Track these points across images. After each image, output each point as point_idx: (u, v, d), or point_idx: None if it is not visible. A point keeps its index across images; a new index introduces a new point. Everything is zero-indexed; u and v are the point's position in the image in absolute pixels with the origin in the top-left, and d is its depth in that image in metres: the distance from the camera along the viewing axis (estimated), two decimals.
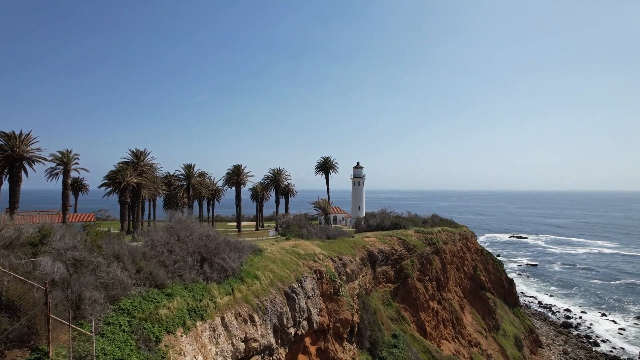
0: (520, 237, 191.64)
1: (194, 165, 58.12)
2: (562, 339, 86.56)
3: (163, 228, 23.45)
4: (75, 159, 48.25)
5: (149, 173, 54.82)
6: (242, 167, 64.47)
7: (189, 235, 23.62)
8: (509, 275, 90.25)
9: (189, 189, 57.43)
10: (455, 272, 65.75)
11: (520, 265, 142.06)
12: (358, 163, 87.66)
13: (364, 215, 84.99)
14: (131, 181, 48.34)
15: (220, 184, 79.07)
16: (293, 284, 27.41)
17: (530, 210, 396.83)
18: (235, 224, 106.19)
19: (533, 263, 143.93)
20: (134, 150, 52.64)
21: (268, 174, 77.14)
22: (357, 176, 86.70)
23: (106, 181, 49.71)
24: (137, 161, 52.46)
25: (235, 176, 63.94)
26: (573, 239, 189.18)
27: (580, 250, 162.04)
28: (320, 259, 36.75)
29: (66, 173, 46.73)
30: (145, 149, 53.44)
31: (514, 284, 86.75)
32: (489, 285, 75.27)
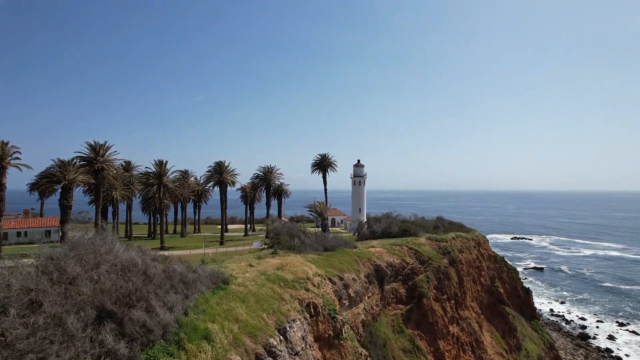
0: (524, 239, 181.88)
1: (166, 162, 47.67)
2: (581, 354, 76.63)
3: (38, 260, 13.05)
4: (14, 152, 37.91)
5: (112, 170, 44.53)
6: (226, 164, 54.18)
7: (87, 272, 13.31)
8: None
9: (160, 189, 47.06)
10: (472, 285, 55.62)
11: (526, 268, 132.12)
12: (359, 161, 77.46)
13: (365, 218, 74.75)
14: (77, 180, 37.99)
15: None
16: (271, 340, 17.06)
17: (531, 210, 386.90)
18: (231, 225, 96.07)
19: (539, 266, 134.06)
20: (92, 144, 42.16)
21: (258, 172, 66.80)
22: (358, 175, 76.47)
23: (41, 180, 39.04)
24: (96, 156, 42.10)
25: (218, 175, 53.59)
26: (577, 240, 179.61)
27: (587, 252, 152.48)
28: (315, 285, 26.45)
29: (1, 170, 36.38)
30: (106, 142, 43.07)
31: (531, 293, 76.73)
32: (506, 297, 65.16)
